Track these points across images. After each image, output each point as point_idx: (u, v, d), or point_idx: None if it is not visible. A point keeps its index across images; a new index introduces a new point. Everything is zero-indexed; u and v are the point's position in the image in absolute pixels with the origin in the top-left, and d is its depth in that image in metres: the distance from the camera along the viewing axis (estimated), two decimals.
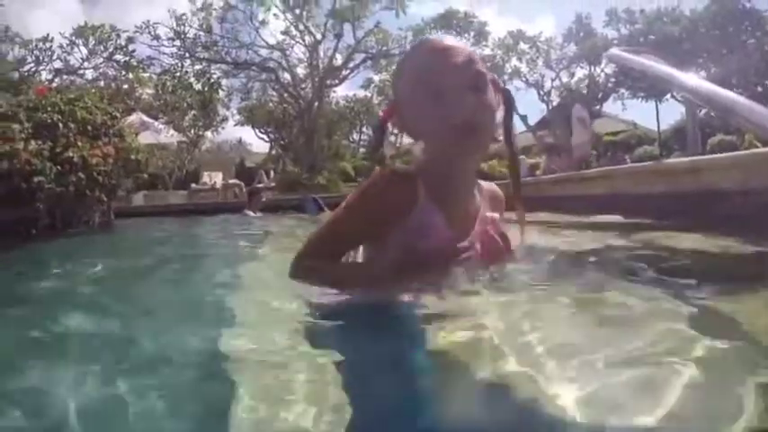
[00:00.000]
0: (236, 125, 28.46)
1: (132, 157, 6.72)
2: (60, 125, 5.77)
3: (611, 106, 22.92)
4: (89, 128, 6.11)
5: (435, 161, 1.18)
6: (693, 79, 1.68)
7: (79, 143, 5.84)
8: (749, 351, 0.84)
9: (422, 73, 1.10)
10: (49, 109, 5.85)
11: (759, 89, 18.67)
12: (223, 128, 27.93)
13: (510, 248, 1.25)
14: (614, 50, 3.22)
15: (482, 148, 1.19)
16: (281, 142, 27.98)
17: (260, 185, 13.61)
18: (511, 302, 1.12)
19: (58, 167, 5.56)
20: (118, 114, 6.81)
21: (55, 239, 5.40)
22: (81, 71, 17.35)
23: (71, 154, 5.64)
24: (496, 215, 1.26)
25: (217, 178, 19.86)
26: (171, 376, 0.92)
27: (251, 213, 9.15)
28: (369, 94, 27.39)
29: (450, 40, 1.16)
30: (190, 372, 0.93)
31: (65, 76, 17.35)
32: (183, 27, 18.70)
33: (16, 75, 15.95)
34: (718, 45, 17.99)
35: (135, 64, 17.37)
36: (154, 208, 12.26)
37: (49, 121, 5.74)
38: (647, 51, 4.54)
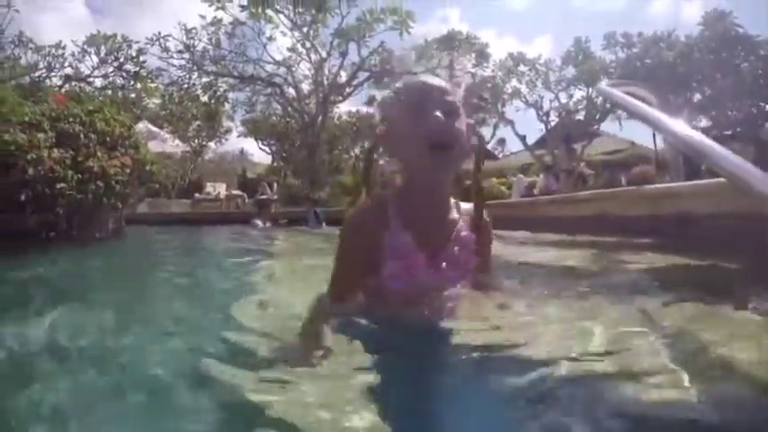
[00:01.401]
0: (239, 136, 28.90)
1: (147, 168, 7.03)
2: (82, 135, 6.08)
3: (609, 125, 23.27)
4: (108, 139, 6.43)
5: (409, 184, 1.33)
6: (680, 126, 1.64)
7: (99, 153, 6.14)
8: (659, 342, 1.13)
9: (405, 100, 1.30)
10: (70, 119, 6.16)
11: (754, 110, 19.10)
12: (227, 139, 28.39)
13: (485, 267, 1.43)
14: (604, 86, 3.26)
15: (452, 165, 1.30)
16: (283, 155, 28.30)
17: (263, 197, 13.93)
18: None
19: (79, 175, 5.86)
20: (134, 126, 7.12)
21: (76, 244, 5.70)
22: (91, 79, 17.67)
23: (92, 163, 5.95)
24: (471, 235, 1.37)
25: (220, 188, 20.15)
26: None
27: (260, 224, 9.44)
28: (371, 111, 27.75)
29: (432, 78, 1.35)
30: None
31: (73, 83, 17.65)
32: (192, 41, 19.17)
33: (27, 79, 16.22)
34: (712, 69, 18.43)
35: (144, 74, 17.73)
36: (161, 216, 12.52)
37: (71, 131, 6.05)
38: (637, 84, 4.82)
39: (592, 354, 1.03)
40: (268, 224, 9.60)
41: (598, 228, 4.35)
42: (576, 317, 1.35)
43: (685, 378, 0.90)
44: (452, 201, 1.40)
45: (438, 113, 1.23)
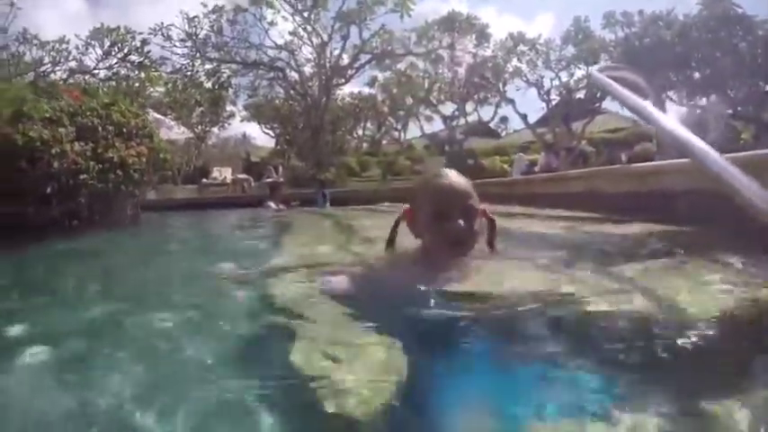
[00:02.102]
0: (242, 121, 29.09)
1: (161, 155, 7.36)
2: (100, 128, 6.39)
3: (611, 103, 23.35)
4: (124, 130, 6.74)
5: (431, 255, 1.60)
6: (670, 121, 1.63)
7: (116, 144, 6.47)
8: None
9: (432, 199, 1.56)
10: (88, 113, 6.46)
11: (753, 90, 19.18)
12: (230, 123, 28.58)
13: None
14: (596, 73, 3.35)
15: (465, 253, 1.57)
16: (286, 138, 28.51)
17: (272, 180, 14.25)
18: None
19: (100, 166, 6.19)
20: (148, 116, 7.42)
21: (103, 230, 6.06)
22: (95, 71, 17.92)
23: (111, 154, 6.27)
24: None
25: (226, 173, 20.49)
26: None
27: (273, 206, 9.77)
28: (373, 92, 27.91)
29: (455, 177, 1.58)
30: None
31: (77, 75, 17.89)
32: (194, 29, 19.36)
33: (32, 75, 16.47)
34: (711, 48, 18.49)
35: (148, 64, 17.97)
36: (171, 202, 12.86)
37: (90, 124, 6.36)
38: (628, 69, 4.92)
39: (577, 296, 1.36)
40: (281, 206, 9.92)
41: (589, 203, 4.64)
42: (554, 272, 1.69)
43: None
44: None
45: (460, 221, 1.51)
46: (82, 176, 5.99)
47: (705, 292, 1.42)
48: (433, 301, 1.34)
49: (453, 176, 1.59)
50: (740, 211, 1.20)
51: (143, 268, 2.89)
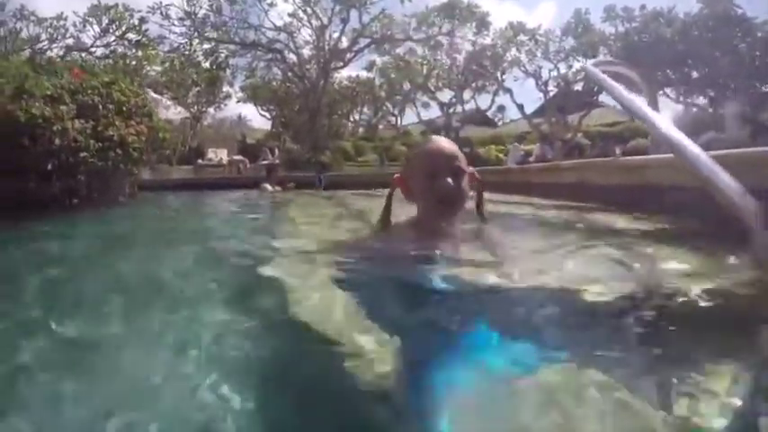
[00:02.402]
0: (238, 102, 28.98)
1: (160, 135, 7.44)
2: (100, 106, 6.45)
3: (608, 97, 23.45)
4: (124, 108, 6.80)
5: (421, 221, 1.73)
6: (659, 118, 1.64)
7: (117, 122, 6.53)
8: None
9: (422, 161, 1.70)
10: (89, 92, 6.51)
11: (751, 90, 19.35)
12: (226, 104, 28.50)
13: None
14: (591, 67, 3.07)
15: (455, 212, 1.70)
16: (282, 120, 28.47)
17: (268, 162, 14.33)
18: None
19: (100, 144, 6.27)
20: (147, 96, 7.47)
21: (104, 207, 6.16)
22: (92, 49, 17.83)
23: (111, 132, 6.34)
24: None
25: (222, 154, 20.51)
26: None
27: (269, 188, 9.86)
28: (371, 76, 27.85)
29: (444, 141, 1.74)
30: None
31: (74, 53, 17.80)
32: (193, 8, 19.25)
33: (29, 51, 16.38)
34: (710, 47, 18.60)
35: (146, 42, 17.88)
36: (167, 182, 12.88)
37: (90, 102, 6.42)
38: (623, 64, 4.99)
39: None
40: (277, 188, 10.03)
41: (579, 194, 4.78)
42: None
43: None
44: None
45: (448, 179, 1.64)
46: (82, 154, 6.06)
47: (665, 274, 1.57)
48: (422, 263, 1.49)
49: (442, 141, 1.75)
50: (719, 205, 1.31)
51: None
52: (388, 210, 1.88)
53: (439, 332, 1.14)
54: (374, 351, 0.98)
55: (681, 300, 1.25)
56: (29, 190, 5.73)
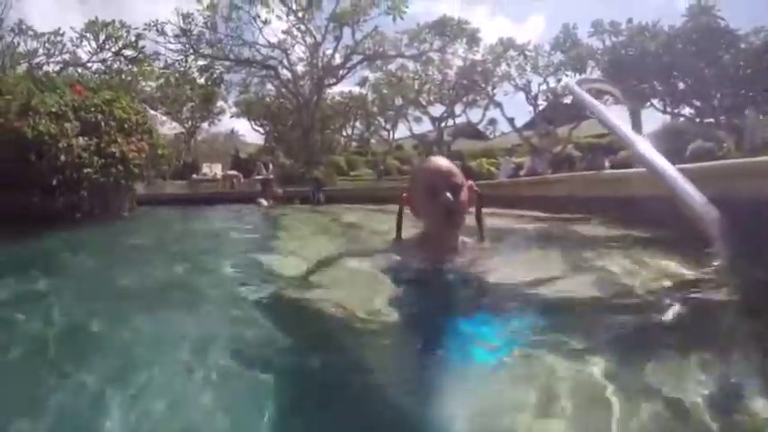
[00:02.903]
0: (231, 117, 29.11)
1: (160, 151, 7.62)
2: (103, 123, 6.63)
3: None
4: (125, 125, 6.98)
5: (428, 234, 1.90)
6: (643, 144, 1.71)
7: (119, 139, 6.71)
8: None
9: (423, 180, 1.84)
10: (92, 109, 6.69)
11: (736, 101, 19.82)
12: (220, 119, 28.66)
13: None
14: (573, 85, 2.99)
15: (457, 225, 1.85)
16: (275, 135, 28.62)
17: (262, 177, 14.52)
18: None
19: (102, 160, 6.44)
20: (148, 114, 7.66)
21: (107, 222, 6.31)
22: (89, 64, 18.03)
23: (113, 149, 6.52)
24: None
25: (216, 169, 20.63)
26: None
27: (264, 202, 10.03)
28: (364, 92, 28.12)
29: (441, 160, 1.89)
30: None
31: (70, 68, 17.96)
32: (189, 25, 19.53)
33: (25, 66, 16.51)
34: (695, 59, 19.08)
35: (142, 59, 18.11)
36: (162, 197, 13.03)
37: (93, 120, 6.60)
38: (606, 81, 5.06)
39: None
40: (272, 202, 10.20)
41: (569, 206, 4.99)
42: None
43: None
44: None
45: (447, 194, 1.80)
46: (86, 170, 6.24)
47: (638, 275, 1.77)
48: (426, 271, 1.74)
49: (440, 160, 1.93)
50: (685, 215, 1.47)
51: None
52: (399, 226, 2.07)
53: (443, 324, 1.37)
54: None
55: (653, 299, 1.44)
56: (33, 204, 5.88)
